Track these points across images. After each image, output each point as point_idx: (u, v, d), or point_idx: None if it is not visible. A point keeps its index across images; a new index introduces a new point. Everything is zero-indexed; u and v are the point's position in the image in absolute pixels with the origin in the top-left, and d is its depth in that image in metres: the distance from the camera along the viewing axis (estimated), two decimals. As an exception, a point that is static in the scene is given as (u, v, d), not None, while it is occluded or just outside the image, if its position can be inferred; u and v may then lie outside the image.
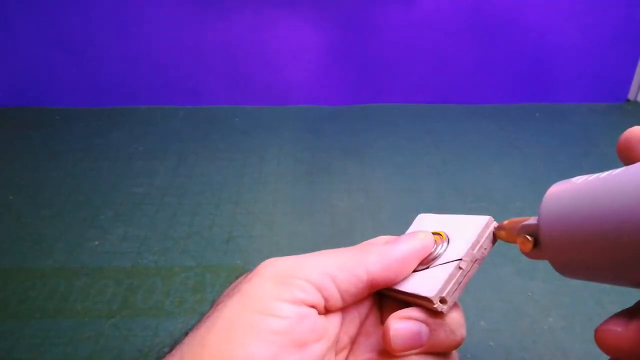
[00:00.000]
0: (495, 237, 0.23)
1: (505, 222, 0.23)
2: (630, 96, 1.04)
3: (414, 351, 0.22)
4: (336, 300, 0.22)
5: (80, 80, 0.97)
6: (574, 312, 0.52)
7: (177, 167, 0.79)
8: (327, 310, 0.23)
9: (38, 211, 0.67)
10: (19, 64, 0.94)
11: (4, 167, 0.78)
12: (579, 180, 0.19)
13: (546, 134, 0.90)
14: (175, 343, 0.22)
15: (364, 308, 0.25)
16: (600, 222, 0.16)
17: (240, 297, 0.21)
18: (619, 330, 0.17)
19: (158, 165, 0.79)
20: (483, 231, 0.23)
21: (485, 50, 0.98)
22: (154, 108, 0.98)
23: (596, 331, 0.17)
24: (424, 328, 0.22)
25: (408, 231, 0.27)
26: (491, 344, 0.48)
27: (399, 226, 0.35)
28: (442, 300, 0.22)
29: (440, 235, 0.25)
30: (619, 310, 0.18)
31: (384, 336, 0.22)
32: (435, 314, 0.22)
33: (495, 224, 0.24)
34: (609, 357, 0.18)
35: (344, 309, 0.24)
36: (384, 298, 0.26)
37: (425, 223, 0.28)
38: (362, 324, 0.25)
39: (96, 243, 0.62)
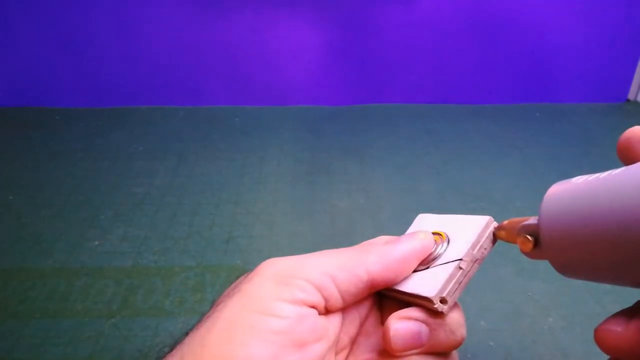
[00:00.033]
0: (495, 237, 0.23)
1: (505, 222, 0.23)
2: (630, 96, 1.04)
3: (414, 351, 0.22)
4: (336, 300, 0.22)
5: (80, 80, 0.97)
6: (574, 312, 0.52)
7: (177, 167, 0.79)
8: (327, 311, 0.23)
9: (38, 211, 0.67)
10: (19, 64, 0.94)
11: (4, 167, 0.78)
12: (579, 180, 0.19)
13: (546, 134, 0.90)
14: (175, 343, 0.22)
15: (364, 308, 0.25)
16: (600, 222, 0.16)
17: (240, 297, 0.21)
18: (619, 330, 0.17)
19: (158, 165, 0.79)
20: (483, 231, 0.23)
21: (485, 50, 0.98)
22: (154, 108, 0.98)
23: (596, 331, 0.17)
24: (424, 328, 0.22)
25: (408, 231, 0.27)
26: (491, 344, 0.48)
27: (399, 226, 0.35)
28: (443, 301, 0.22)
29: (440, 235, 0.25)
30: (619, 310, 0.18)
31: (384, 336, 0.22)
32: (436, 314, 0.22)
33: (495, 224, 0.24)
34: (608, 357, 0.18)
35: (344, 309, 0.24)
36: (384, 298, 0.26)
37: (425, 223, 0.28)
38: (362, 324, 0.25)
39: (96, 243, 0.62)
